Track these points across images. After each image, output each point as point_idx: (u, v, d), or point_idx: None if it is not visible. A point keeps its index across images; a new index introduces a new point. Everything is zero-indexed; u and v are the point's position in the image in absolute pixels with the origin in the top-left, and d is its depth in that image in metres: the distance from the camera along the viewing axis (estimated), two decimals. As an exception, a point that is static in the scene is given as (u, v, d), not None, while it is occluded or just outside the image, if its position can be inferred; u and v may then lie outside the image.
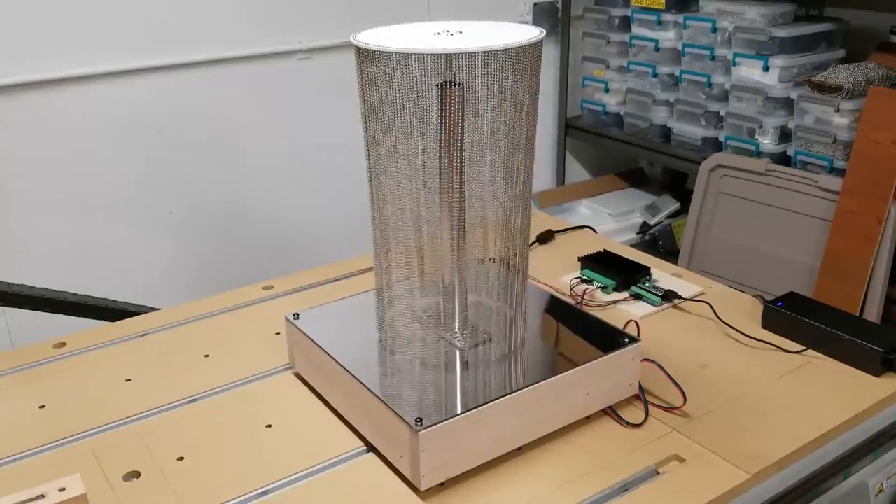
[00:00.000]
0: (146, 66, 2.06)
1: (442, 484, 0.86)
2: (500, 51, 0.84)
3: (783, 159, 2.20)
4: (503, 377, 0.94)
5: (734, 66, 2.26)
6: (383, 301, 1.02)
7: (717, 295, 1.25)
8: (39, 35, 1.91)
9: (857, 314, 1.93)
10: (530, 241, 1.36)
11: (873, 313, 1.93)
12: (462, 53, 0.84)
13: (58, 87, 1.96)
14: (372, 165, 0.94)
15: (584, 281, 1.29)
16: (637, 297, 1.25)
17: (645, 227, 2.71)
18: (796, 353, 1.09)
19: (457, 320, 1.01)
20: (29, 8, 1.88)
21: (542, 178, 2.91)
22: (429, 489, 0.85)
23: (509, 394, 0.88)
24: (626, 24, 2.59)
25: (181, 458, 0.92)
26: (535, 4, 2.71)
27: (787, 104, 2.18)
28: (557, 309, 1.09)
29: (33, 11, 1.89)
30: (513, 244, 0.97)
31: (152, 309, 1.35)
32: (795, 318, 1.12)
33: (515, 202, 0.95)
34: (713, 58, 2.32)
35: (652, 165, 3.00)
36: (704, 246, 2.35)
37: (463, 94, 0.87)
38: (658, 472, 0.88)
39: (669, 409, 0.97)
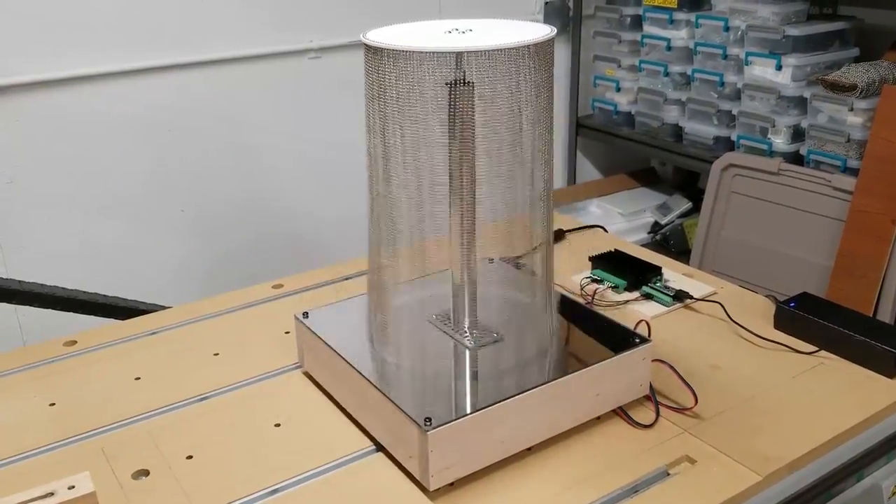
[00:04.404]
0: (157, 64, 2.06)
1: (451, 484, 0.86)
2: (510, 49, 0.83)
3: (796, 159, 2.19)
4: (513, 377, 0.93)
5: (747, 64, 2.24)
6: (393, 300, 1.01)
7: (729, 295, 1.24)
8: (51, 34, 1.92)
9: (871, 315, 1.91)
10: (541, 240, 1.35)
11: (887, 314, 1.92)
12: (472, 52, 0.83)
13: (68, 85, 1.97)
14: (379, 164, 0.94)
15: (594, 280, 1.28)
16: (648, 296, 1.24)
17: (656, 227, 2.70)
18: (809, 353, 1.08)
19: (466, 319, 1.00)
20: (41, 7, 1.89)
21: (553, 177, 2.90)
22: (438, 489, 0.85)
23: (519, 394, 0.87)
24: (637, 22, 2.58)
25: (190, 457, 0.92)
26: (547, 3, 2.70)
27: (801, 103, 2.17)
28: (568, 308, 1.08)
29: (45, 10, 1.90)
30: (525, 243, 0.97)
31: (162, 307, 1.35)
32: (808, 318, 1.11)
33: (530, 201, 0.94)
34: (725, 56, 2.31)
35: (663, 165, 2.99)
36: (716, 246, 2.34)
37: (473, 92, 0.87)
38: (669, 474, 0.88)
39: (680, 409, 0.97)
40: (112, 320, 1.45)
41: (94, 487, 0.77)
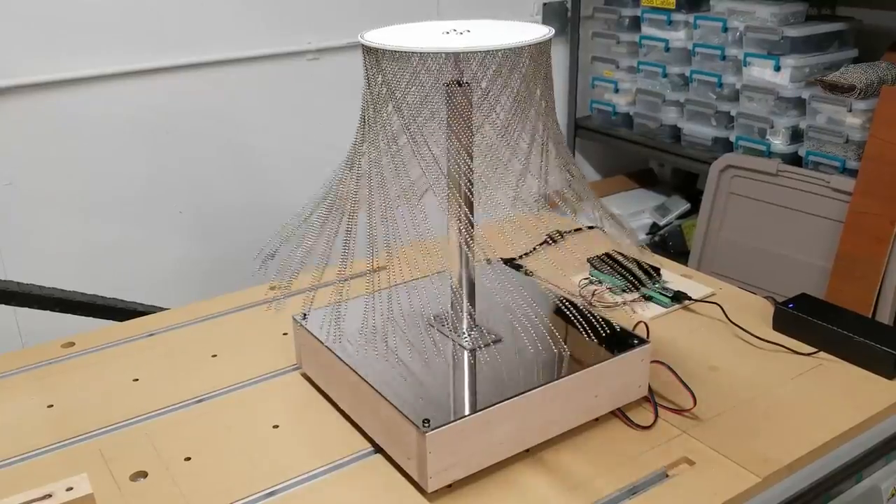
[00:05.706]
0: (155, 66, 2.06)
1: (449, 486, 0.85)
2: (508, 49, 0.83)
3: (794, 160, 2.19)
4: (511, 378, 0.93)
5: (745, 65, 2.24)
6: (391, 301, 1.01)
7: (728, 296, 1.24)
8: (51, 35, 1.91)
9: (870, 316, 1.91)
10: (539, 242, 1.35)
11: (886, 315, 1.92)
12: (470, 52, 0.83)
13: (67, 87, 1.96)
14: (376, 165, 0.93)
15: (592, 282, 1.28)
16: (647, 298, 1.24)
17: (655, 228, 2.70)
18: (808, 355, 1.08)
19: (464, 321, 1.00)
20: (39, 8, 1.89)
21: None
22: (436, 491, 0.84)
23: (517, 395, 0.87)
24: (636, 23, 2.58)
25: (188, 459, 0.92)
26: (545, 4, 2.70)
27: (799, 104, 2.16)
28: (566, 310, 1.08)
29: (44, 12, 1.89)
30: (522, 244, 0.97)
31: (160, 309, 1.35)
32: (807, 319, 1.11)
33: (528, 201, 0.94)
34: (724, 58, 2.31)
35: (662, 166, 2.99)
36: (715, 247, 2.33)
37: (471, 92, 0.87)
38: (668, 475, 0.88)
39: (679, 411, 0.96)
40: (110, 322, 1.44)
41: (91, 489, 0.76)
